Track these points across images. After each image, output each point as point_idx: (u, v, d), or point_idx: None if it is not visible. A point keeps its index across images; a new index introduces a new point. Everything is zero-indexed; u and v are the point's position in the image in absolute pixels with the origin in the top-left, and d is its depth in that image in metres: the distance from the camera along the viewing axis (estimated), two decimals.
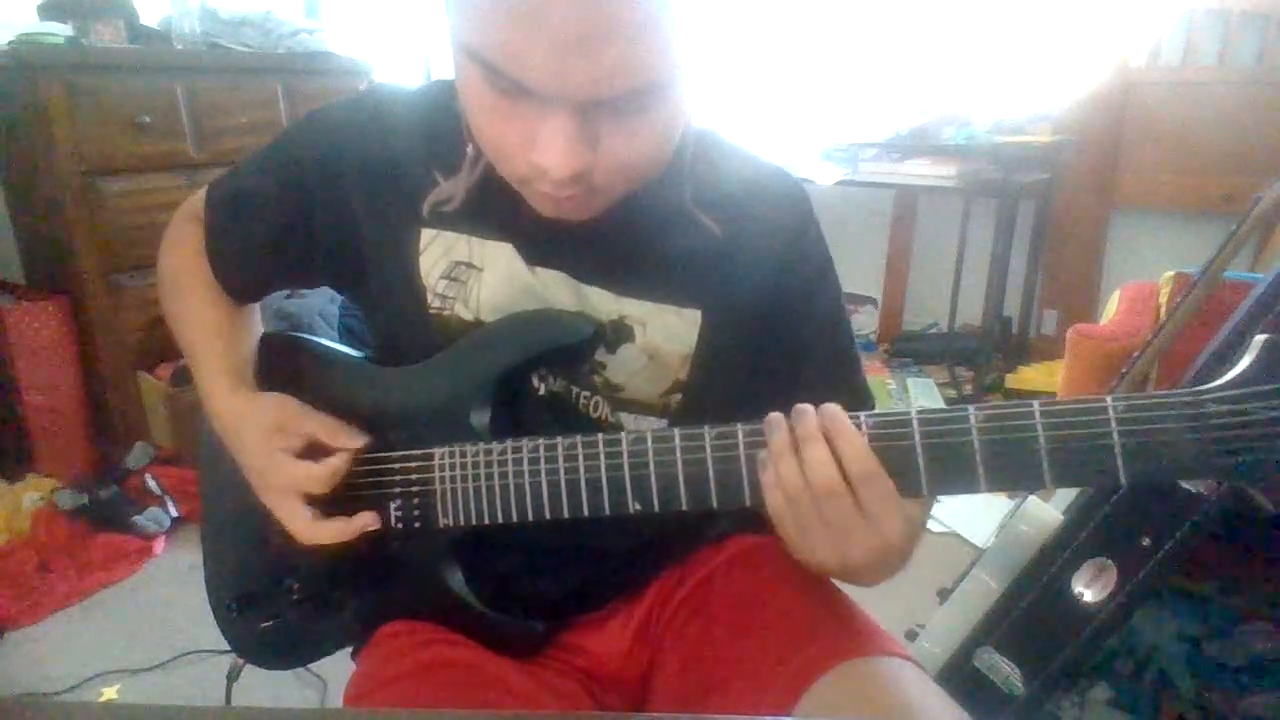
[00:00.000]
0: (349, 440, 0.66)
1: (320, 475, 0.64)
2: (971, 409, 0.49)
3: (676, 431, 0.56)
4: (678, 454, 0.55)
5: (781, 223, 0.68)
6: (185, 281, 0.75)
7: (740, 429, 0.54)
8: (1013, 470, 0.48)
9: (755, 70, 2.98)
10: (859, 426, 0.51)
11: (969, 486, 0.49)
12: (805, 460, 0.51)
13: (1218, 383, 0.46)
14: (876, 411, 0.53)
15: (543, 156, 0.50)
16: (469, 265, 0.67)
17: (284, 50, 2.29)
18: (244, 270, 0.75)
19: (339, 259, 0.71)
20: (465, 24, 0.48)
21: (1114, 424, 0.46)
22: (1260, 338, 0.46)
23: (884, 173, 2.66)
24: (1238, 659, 1.23)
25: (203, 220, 0.75)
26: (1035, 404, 0.48)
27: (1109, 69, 2.53)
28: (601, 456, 0.58)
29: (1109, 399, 0.47)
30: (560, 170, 0.50)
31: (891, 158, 2.64)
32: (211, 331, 0.73)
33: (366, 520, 0.65)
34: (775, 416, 0.53)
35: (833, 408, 0.52)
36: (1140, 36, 2.49)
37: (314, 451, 0.66)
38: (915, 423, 0.50)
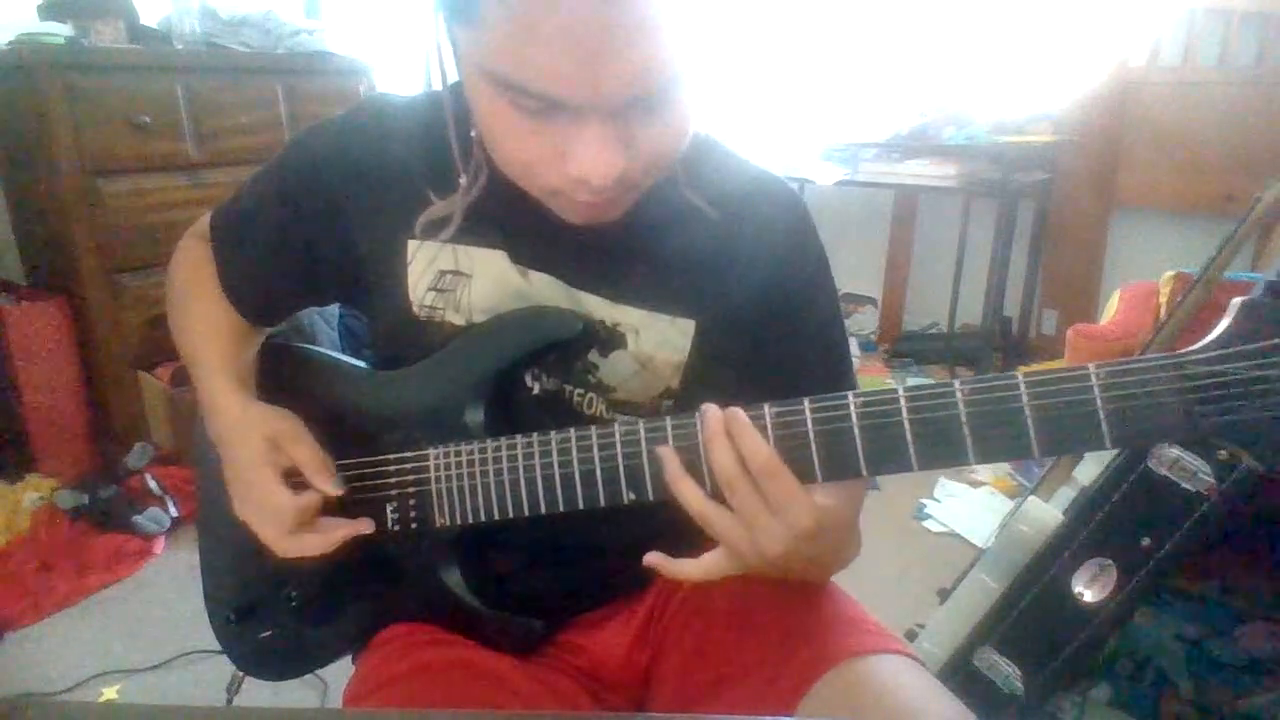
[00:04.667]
0: (325, 484, 0.65)
1: (288, 512, 0.64)
2: (957, 383, 0.50)
3: (669, 420, 0.56)
4: (670, 441, 0.55)
5: (779, 224, 0.68)
6: (194, 292, 0.76)
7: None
8: (1001, 440, 0.49)
9: (756, 70, 2.98)
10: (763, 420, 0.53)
11: (958, 458, 0.50)
12: (711, 461, 0.53)
13: (1197, 345, 0.47)
14: (865, 391, 0.52)
15: (581, 168, 0.50)
16: (456, 273, 0.67)
17: (284, 50, 2.29)
18: (257, 295, 0.75)
19: (340, 274, 0.71)
20: (486, 50, 0.48)
21: (1097, 389, 0.47)
22: (1236, 300, 0.46)
23: (884, 173, 2.66)
24: (1238, 659, 1.23)
25: (211, 247, 0.76)
26: (1019, 375, 0.48)
27: (1109, 69, 2.53)
28: (595, 448, 0.58)
29: (1091, 366, 0.47)
30: (605, 178, 0.50)
31: (891, 158, 2.64)
32: (213, 335, 0.73)
33: (345, 531, 0.64)
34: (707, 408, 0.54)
35: (732, 410, 0.53)
36: (1140, 36, 2.49)
37: (296, 475, 0.66)
38: (902, 399, 0.51)
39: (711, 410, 0.53)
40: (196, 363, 0.73)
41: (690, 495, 0.54)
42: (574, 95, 0.47)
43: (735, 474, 0.52)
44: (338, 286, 0.75)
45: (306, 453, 0.66)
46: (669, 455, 0.54)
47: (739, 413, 0.53)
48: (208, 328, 0.74)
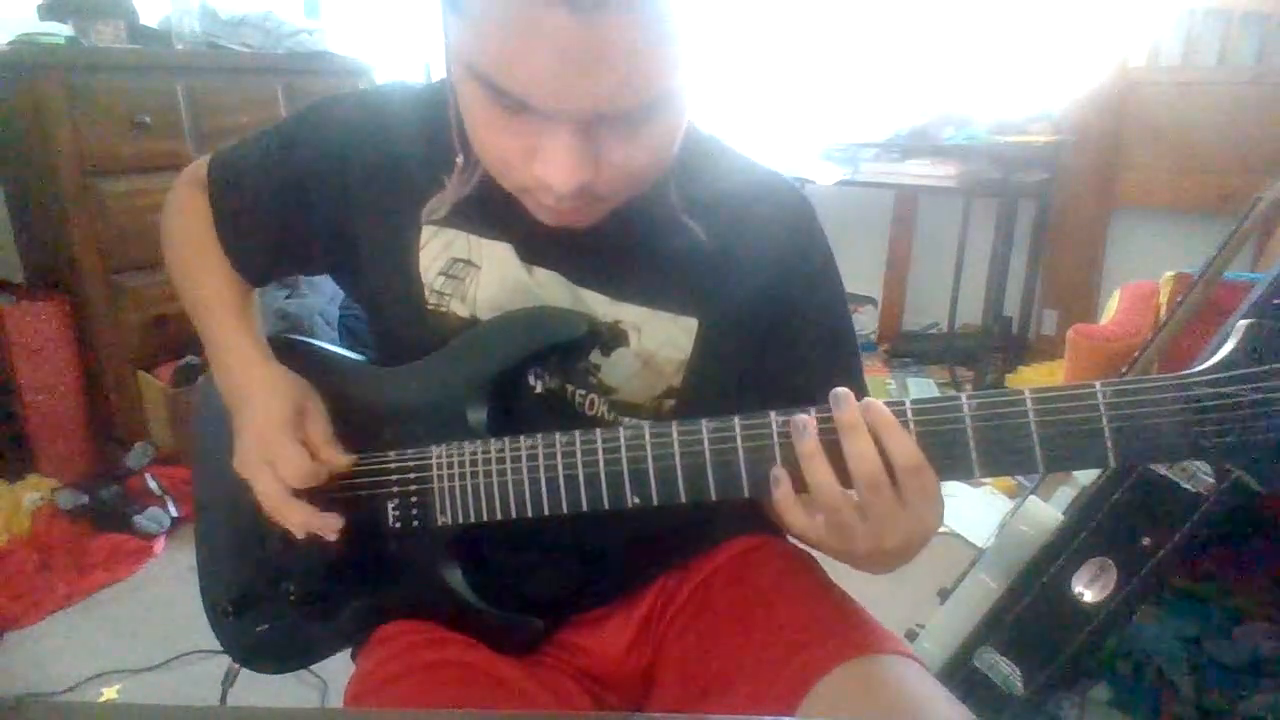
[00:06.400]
0: (331, 455, 0.65)
1: (301, 473, 0.63)
2: (964, 396, 0.50)
3: (674, 424, 0.56)
4: (675, 447, 0.55)
5: (782, 225, 0.68)
6: (198, 246, 0.76)
7: (738, 420, 0.54)
8: (1006, 455, 0.49)
9: (755, 70, 2.98)
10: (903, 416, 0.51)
11: (963, 473, 0.50)
12: (849, 453, 0.50)
13: (1203, 367, 0.47)
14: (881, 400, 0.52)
15: (546, 172, 0.50)
16: (467, 262, 0.67)
17: (284, 50, 2.29)
18: (253, 253, 0.75)
19: (336, 251, 0.71)
20: (467, 42, 0.48)
21: (1103, 408, 0.47)
22: (1243, 322, 0.47)
23: (884, 173, 2.66)
24: (1238, 659, 1.23)
25: (208, 196, 0.76)
26: (1026, 391, 0.49)
27: (1109, 69, 2.53)
28: (600, 451, 0.58)
29: (1098, 384, 0.47)
30: (564, 185, 0.50)
31: (891, 158, 2.64)
32: (228, 298, 0.74)
33: (329, 523, 0.63)
34: (801, 419, 0.52)
35: (871, 400, 0.52)
36: (1140, 36, 2.49)
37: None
38: (909, 411, 0.51)
39: (846, 395, 0.51)
40: (210, 320, 0.73)
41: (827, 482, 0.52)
42: (544, 102, 0.47)
43: (876, 467, 0.50)
44: (328, 262, 0.75)
45: (318, 426, 0.66)
46: (803, 428, 0.52)
47: (878, 404, 0.51)
48: (219, 285, 0.74)
